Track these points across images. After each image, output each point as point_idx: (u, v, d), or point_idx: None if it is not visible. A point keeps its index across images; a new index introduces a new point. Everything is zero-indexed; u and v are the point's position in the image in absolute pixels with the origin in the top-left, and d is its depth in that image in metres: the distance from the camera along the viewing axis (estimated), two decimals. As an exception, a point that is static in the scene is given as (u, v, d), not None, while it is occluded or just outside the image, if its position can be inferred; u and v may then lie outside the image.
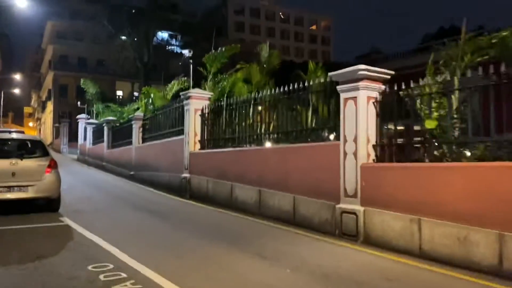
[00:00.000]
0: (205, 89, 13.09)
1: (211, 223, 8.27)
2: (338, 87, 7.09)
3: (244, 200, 9.37)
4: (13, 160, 7.75)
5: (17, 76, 50.29)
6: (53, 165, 8.19)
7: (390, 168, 6.42)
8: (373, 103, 6.78)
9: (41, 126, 61.18)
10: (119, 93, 50.57)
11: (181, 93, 12.18)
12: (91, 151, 24.99)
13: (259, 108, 9.61)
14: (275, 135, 9.02)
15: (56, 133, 40.61)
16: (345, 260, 5.67)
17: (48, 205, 8.33)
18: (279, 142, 8.82)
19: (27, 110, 70.81)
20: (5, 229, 6.86)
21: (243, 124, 10.02)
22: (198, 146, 11.75)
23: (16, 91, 63.73)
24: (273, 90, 9.15)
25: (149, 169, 14.95)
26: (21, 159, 7.84)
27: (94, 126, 25.52)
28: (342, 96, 7.08)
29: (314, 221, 7.51)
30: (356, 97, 6.77)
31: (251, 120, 9.73)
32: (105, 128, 21.70)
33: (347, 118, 6.95)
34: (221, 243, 6.36)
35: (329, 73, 7.27)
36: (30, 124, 73.21)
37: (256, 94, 9.65)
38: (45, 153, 8.34)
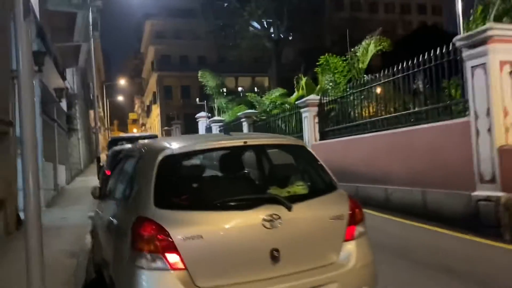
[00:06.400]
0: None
1: None
2: None
3: None
4: (269, 211, 2.59)
5: (122, 81, 48.93)
6: (358, 216, 2.94)
7: None
8: None
9: (147, 132, 60.14)
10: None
11: (467, 34, 6.42)
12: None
13: None
14: None
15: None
16: None
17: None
18: None
19: (132, 116, 70.87)
20: None
21: None
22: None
23: (120, 98, 63.67)
24: None
25: (352, 179, 9.46)
26: (289, 207, 2.64)
27: (221, 124, 21.13)
28: None
29: None
30: None
31: None
32: (245, 124, 16.92)
33: None
34: None
35: None
36: (135, 130, 73.43)
37: None
38: (327, 182, 3.11)
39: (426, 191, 7.37)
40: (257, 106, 17.64)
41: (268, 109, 17.16)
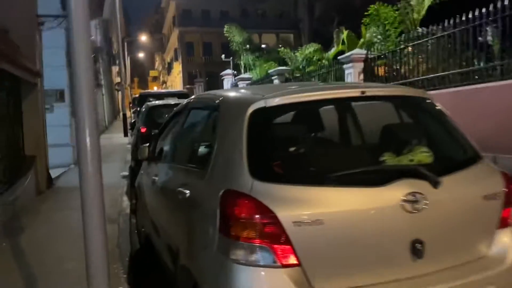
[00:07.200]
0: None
1: None
2: None
3: None
4: (409, 188, 1.85)
5: (143, 37, 47.79)
6: None
7: None
8: None
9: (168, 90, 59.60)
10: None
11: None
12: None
13: None
14: None
15: (189, 95, 37.03)
16: None
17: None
18: None
19: (153, 73, 70.11)
20: None
21: None
22: None
23: (140, 55, 62.67)
24: None
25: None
26: (435, 183, 1.93)
27: (249, 82, 20.27)
28: None
29: None
30: None
31: None
32: (276, 82, 16.02)
33: None
34: None
35: None
36: (155, 88, 72.86)
37: None
38: (467, 149, 2.35)
39: (497, 157, 6.54)
40: (289, 63, 16.66)
41: (301, 66, 16.22)
